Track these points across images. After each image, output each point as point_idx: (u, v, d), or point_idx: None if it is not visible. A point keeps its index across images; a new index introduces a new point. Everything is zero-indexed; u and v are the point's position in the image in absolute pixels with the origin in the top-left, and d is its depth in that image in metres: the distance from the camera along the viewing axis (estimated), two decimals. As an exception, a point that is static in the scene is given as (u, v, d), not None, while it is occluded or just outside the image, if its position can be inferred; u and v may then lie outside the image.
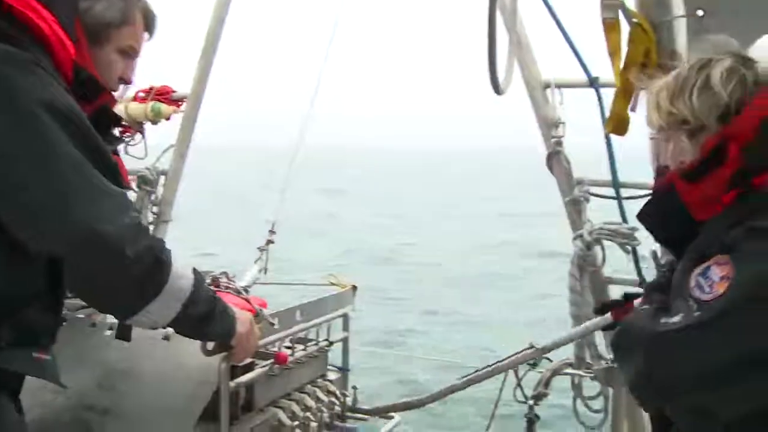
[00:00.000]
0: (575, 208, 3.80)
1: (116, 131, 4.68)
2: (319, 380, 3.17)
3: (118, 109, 4.69)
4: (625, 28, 2.80)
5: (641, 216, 2.11)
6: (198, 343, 2.39)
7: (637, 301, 2.31)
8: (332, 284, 3.53)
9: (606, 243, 3.71)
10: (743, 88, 1.85)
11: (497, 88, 2.88)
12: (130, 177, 4.72)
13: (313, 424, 2.92)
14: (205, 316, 2.15)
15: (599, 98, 3.55)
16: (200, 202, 28.41)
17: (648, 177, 2.30)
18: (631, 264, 3.69)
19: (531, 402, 3.74)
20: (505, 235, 30.06)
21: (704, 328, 1.69)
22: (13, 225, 1.88)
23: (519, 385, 3.69)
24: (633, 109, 2.83)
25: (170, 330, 2.29)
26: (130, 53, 2.30)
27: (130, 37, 2.28)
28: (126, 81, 2.37)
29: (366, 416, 3.35)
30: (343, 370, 3.35)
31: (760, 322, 1.65)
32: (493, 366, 3.43)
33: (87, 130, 1.95)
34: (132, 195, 4.75)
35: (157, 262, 1.98)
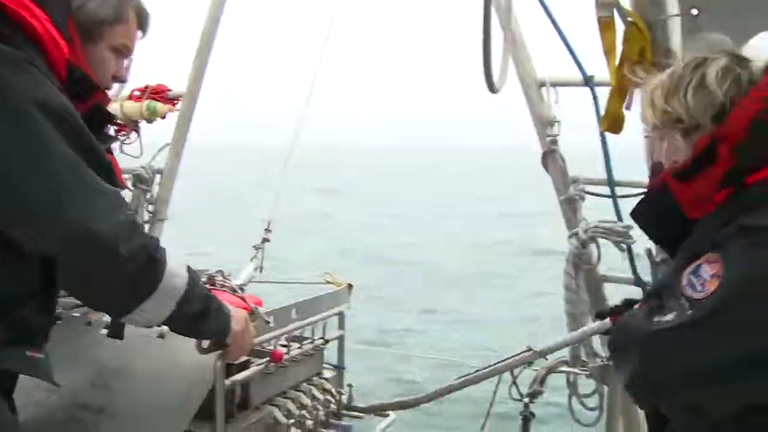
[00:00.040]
0: (570, 206, 3.80)
1: (112, 131, 4.72)
2: (315, 378, 3.17)
3: (114, 107, 4.73)
4: (620, 27, 2.81)
5: (635, 215, 2.11)
6: (193, 341, 2.39)
7: (635, 307, 2.31)
8: (328, 282, 3.52)
9: (601, 241, 3.72)
10: (738, 88, 1.85)
11: (492, 87, 2.88)
12: (125, 176, 4.72)
13: (309, 422, 2.92)
14: (200, 314, 2.16)
15: (594, 97, 3.55)
16: (196, 201, 28.35)
17: (643, 175, 2.31)
18: (626, 262, 3.70)
19: (526, 400, 3.74)
20: (500, 234, 30.08)
21: (696, 327, 1.69)
22: (7, 224, 1.88)
23: (514, 383, 3.69)
24: (628, 108, 2.84)
25: (165, 328, 2.28)
26: (123, 51, 2.30)
27: (123, 35, 2.27)
28: (120, 79, 2.37)
29: (361, 414, 3.35)
30: (339, 368, 3.36)
31: (752, 320, 1.65)
32: (490, 368, 3.44)
33: (80, 129, 1.95)
34: (127, 194, 4.75)
35: (152, 260, 1.98)
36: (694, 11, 2.77)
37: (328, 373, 3.27)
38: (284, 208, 4.90)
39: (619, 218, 3.63)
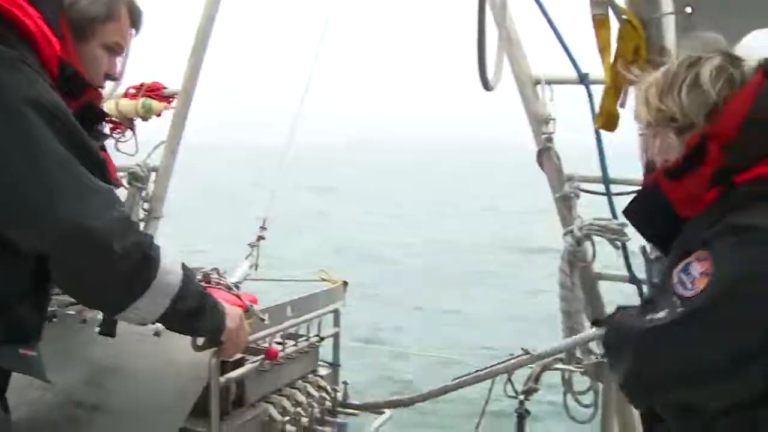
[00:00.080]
0: (565, 204, 3.81)
1: (107, 128, 4.72)
2: (310, 376, 3.17)
3: (109, 105, 4.73)
4: (614, 25, 2.82)
5: (628, 213, 2.13)
6: (188, 339, 2.39)
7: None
8: (323, 280, 3.52)
9: (596, 239, 3.72)
10: (731, 87, 1.86)
11: (486, 85, 2.88)
12: (120, 173, 4.72)
13: (304, 420, 2.92)
14: (194, 311, 2.16)
15: (589, 94, 3.56)
16: (191, 199, 28.32)
17: (638, 173, 2.31)
18: (621, 259, 3.71)
19: (521, 397, 3.74)
20: (495, 232, 30.06)
21: (686, 324, 1.71)
22: (1, 223, 1.88)
23: (509, 380, 3.70)
24: (622, 105, 2.85)
25: (160, 326, 2.28)
26: (115, 49, 2.29)
27: (116, 32, 2.27)
28: (112, 77, 2.36)
29: (357, 411, 3.35)
30: (334, 365, 3.36)
31: (741, 317, 1.66)
32: (486, 370, 3.45)
33: (73, 127, 1.95)
34: (123, 192, 4.75)
35: (145, 257, 1.98)
36: (688, 9, 2.79)
37: (323, 371, 3.26)
38: (279, 206, 4.90)
39: (614, 216, 3.64)
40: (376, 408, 3.49)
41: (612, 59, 2.78)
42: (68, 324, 2.93)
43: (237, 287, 2.93)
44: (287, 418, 2.84)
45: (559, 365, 3.78)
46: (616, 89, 2.81)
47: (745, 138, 1.78)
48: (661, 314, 1.76)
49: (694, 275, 1.72)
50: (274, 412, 2.82)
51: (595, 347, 3.80)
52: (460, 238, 28.69)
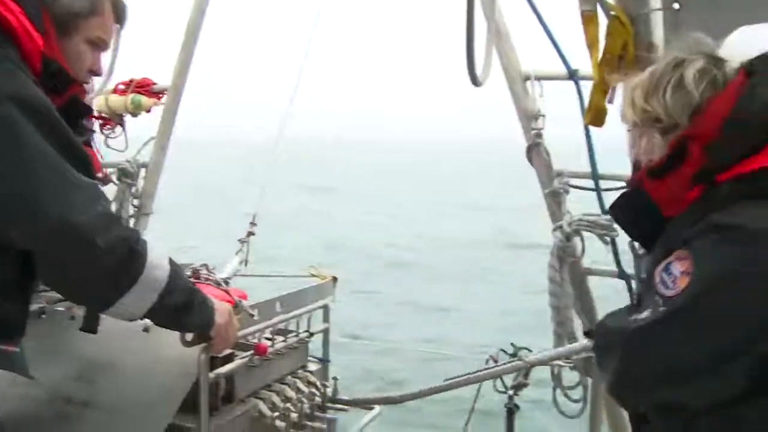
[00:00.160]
0: (555, 199, 3.82)
1: (96, 125, 4.71)
2: (300, 371, 3.17)
3: (98, 101, 4.72)
4: (603, 21, 2.83)
5: (614, 213, 2.14)
6: (177, 334, 2.39)
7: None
8: (313, 276, 3.53)
9: (585, 234, 3.74)
10: (714, 88, 1.88)
11: (475, 80, 2.88)
12: (110, 170, 4.72)
13: (294, 415, 2.92)
14: (182, 306, 2.16)
15: (578, 90, 3.57)
16: (181, 195, 28.27)
17: (627, 169, 2.33)
18: (610, 255, 3.72)
19: (511, 392, 3.76)
20: (487, 228, 30.07)
21: (668, 324, 1.72)
22: None
23: (499, 376, 3.71)
24: (611, 101, 2.86)
25: (149, 322, 2.29)
26: (99, 45, 2.27)
27: (99, 27, 2.24)
28: (96, 73, 2.35)
29: (346, 407, 3.35)
30: (324, 361, 3.36)
31: (721, 316, 1.67)
32: (477, 373, 3.46)
33: (56, 122, 1.94)
34: (112, 188, 4.74)
35: (131, 252, 1.98)
36: (676, 5, 2.79)
37: (313, 366, 3.27)
38: (270, 203, 4.91)
39: (603, 211, 3.66)
40: (365, 404, 3.50)
41: (600, 55, 2.79)
42: (57, 320, 2.93)
43: (226, 283, 2.93)
44: (277, 413, 2.85)
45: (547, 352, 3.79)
46: (604, 85, 2.82)
47: (726, 138, 1.80)
48: (645, 314, 1.77)
49: (675, 274, 1.73)
50: (263, 408, 2.82)
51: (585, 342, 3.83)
52: (450, 234, 28.69)
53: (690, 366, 1.71)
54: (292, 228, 27.12)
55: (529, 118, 3.81)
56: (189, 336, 2.41)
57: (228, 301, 2.54)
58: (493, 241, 27.33)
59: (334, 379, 3.38)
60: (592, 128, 3.34)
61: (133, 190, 4.84)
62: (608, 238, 3.63)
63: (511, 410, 3.84)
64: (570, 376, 3.85)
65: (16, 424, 2.48)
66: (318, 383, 3.18)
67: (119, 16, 2.33)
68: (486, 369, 3.48)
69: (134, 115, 4.79)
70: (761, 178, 1.75)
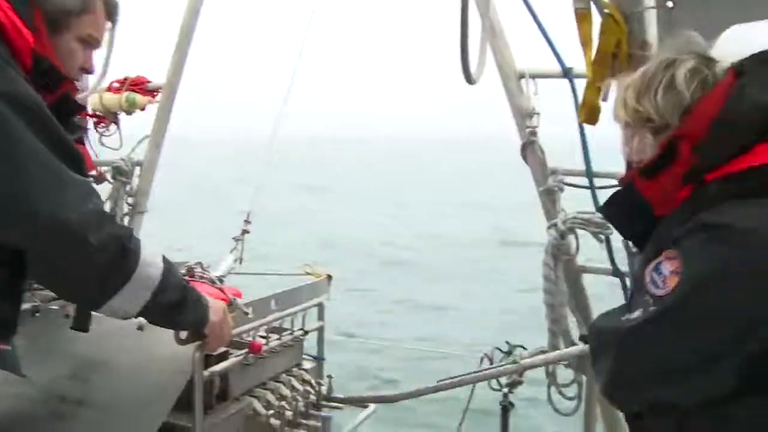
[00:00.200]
0: (549, 197, 3.82)
1: (91, 122, 4.70)
2: (294, 369, 3.17)
3: (93, 99, 4.71)
4: (597, 19, 2.83)
5: (606, 212, 2.15)
6: (171, 332, 2.39)
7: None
8: (307, 274, 3.53)
9: (580, 232, 3.74)
10: (704, 89, 1.89)
11: (469, 78, 2.88)
12: (104, 168, 4.71)
13: (288, 413, 2.92)
14: (176, 304, 2.15)
15: (573, 88, 3.57)
16: (176, 193, 28.22)
17: (621, 167, 2.33)
18: (605, 253, 3.73)
19: (505, 390, 3.76)
20: (482, 226, 30.07)
21: (658, 324, 1.72)
22: None
23: (493, 377, 3.71)
24: (604, 99, 2.86)
25: (143, 320, 2.29)
26: (91, 42, 2.26)
27: (91, 25, 2.23)
28: (87, 70, 2.34)
29: (341, 405, 3.35)
30: (319, 359, 3.36)
31: (711, 315, 1.67)
32: (473, 374, 3.47)
33: (47, 119, 1.93)
34: (107, 186, 4.74)
35: (124, 250, 1.98)
36: (670, 3, 2.80)
37: (307, 364, 3.27)
38: (264, 201, 4.90)
39: (598, 209, 3.65)
40: (360, 402, 3.50)
41: (594, 53, 2.79)
42: (51, 319, 2.93)
43: (221, 281, 2.93)
44: (271, 411, 2.85)
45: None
46: (597, 83, 2.82)
47: (714, 138, 1.80)
48: (636, 314, 1.78)
49: (665, 274, 1.74)
50: (258, 406, 2.82)
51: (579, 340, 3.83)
52: (445, 232, 28.70)
53: (680, 365, 1.72)
54: (287, 225, 27.11)
55: (524, 116, 3.81)
56: (183, 334, 2.40)
57: (222, 299, 2.54)
58: (488, 239, 27.35)
59: (329, 377, 3.38)
60: (586, 126, 3.34)
61: (128, 188, 4.83)
62: (602, 236, 3.63)
63: (506, 408, 3.85)
64: (565, 374, 3.86)
65: (10, 422, 2.48)
66: (313, 381, 3.19)
67: (111, 14, 2.32)
68: (480, 371, 3.49)
69: (129, 113, 4.79)
70: (749, 178, 1.75)
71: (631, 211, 1.99)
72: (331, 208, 35.27)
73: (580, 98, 3.11)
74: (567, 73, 3.60)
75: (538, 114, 3.82)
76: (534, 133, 3.81)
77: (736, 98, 1.81)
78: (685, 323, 1.69)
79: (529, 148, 3.82)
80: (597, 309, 3.86)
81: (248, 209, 4.57)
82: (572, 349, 3.55)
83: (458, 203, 37.22)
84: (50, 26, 2.14)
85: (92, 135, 4.79)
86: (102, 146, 4.81)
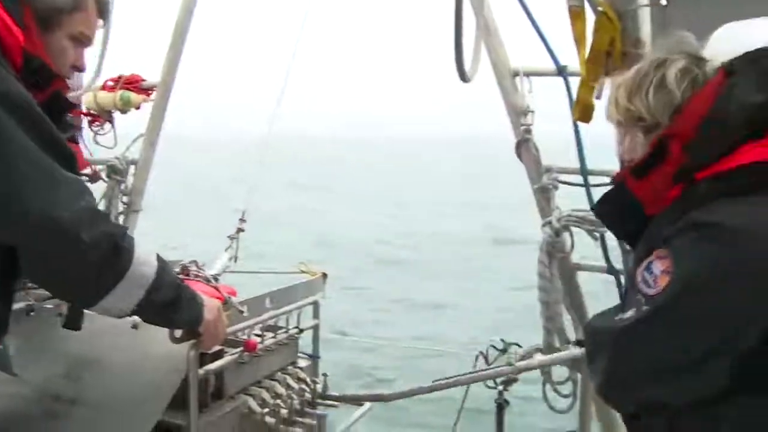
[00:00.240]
0: (544, 195, 3.84)
1: (85, 121, 4.70)
2: (290, 367, 3.16)
3: (87, 98, 4.70)
4: (590, 17, 2.83)
5: (599, 213, 2.16)
6: (166, 331, 2.39)
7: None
8: (302, 272, 3.53)
9: (574, 229, 3.75)
10: (694, 88, 1.89)
11: (463, 76, 2.89)
12: (99, 167, 4.71)
13: (283, 411, 2.92)
14: (170, 302, 2.15)
15: (567, 86, 3.57)
16: (171, 192, 28.18)
17: (615, 164, 2.34)
18: (599, 250, 3.73)
19: (500, 387, 3.77)
20: (478, 224, 30.06)
21: (650, 323, 1.73)
22: None
23: (487, 379, 3.72)
24: (598, 97, 2.87)
25: (138, 319, 2.28)
26: (82, 40, 2.25)
27: (82, 23, 2.22)
28: (79, 68, 2.33)
29: (336, 403, 3.35)
30: (314, 357, 3.36)
31: (702, 315, 1.67)
32: (468, 375, 3.48)
33: (38, 117, 1.93)
34: (102, 185, 4.73)
35: (116, 248, 1.97)
36: (663, 1, 2.80)
37: (302, 363, 3.27)
38: (259, 200, 4.91)
39: (592, 207, 3.66)
40: (355, 400, 3.50)
41: (588, 51, 2.80)
42: (45, 318, 2.92)
43: (216, 279, 2.93)
44: (266, 409, 2.84)
45: (539, 356, 3.81)
46: (591, 81, 2.83)
47: (704, 137, 1.81)
48: (629, 313, 1.78)
49: (656, 273, 1.74)
50: (253, 404, 2.82)
51: (574, 338, 3.84)
52: (441, 230, 28.69)
53: (671, 365, 1.72)
54: (283, 225, 27.11)
55: (518, 114, 3.82)
56: (178, 332, 2.40)
57: (217, 298, 2.53)
58: (483, 238, 27.37)
59: (324, 375, 3.37)
60: (580, 124, 3.35)
61: (123, 187, 4.83)
62: (597, 234, 3.65)
63: (501, 405, 3.86)
64: (560, 372, 3.87)
65: (4, 422, 2.48)
66: (308, 379, 3.18)
67: (102, 11, 2.31)
68: (475, 372, 3.50)
69: (123, 111, 4.78)
70: (739, 176, 1.76)
71: (622, 210, 2.00)
72: (328, 208, 35.23)
73: (575, 96, 3.12)
74: (561, 71, 3.61)
75: (532, 112, 3.84)
76: (528, 131, 3.82)
77: (726, 97, 1.81)
78: (676, 323, 1.69)
79: (524, 146, 3.84)
80: (592, 306, 3.87)
81: (243, 208, 4.57)
82: (567, 353, 3.56)
83: (456, 203, 37.21)
84: (41, 24, 2.13)
85: (87, 134, 4.78)
86: (97, 145, 4.81)
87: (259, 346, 2.88)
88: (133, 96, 4.75)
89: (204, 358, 2.60)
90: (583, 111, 2.95)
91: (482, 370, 3.50)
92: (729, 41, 2.01)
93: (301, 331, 3.22)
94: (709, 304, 1.67)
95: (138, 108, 4.80)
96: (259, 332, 2.98)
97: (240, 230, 4.43)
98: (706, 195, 1.77)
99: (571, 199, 3.79)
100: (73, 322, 2.35)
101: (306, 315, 3.28)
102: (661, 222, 1.85)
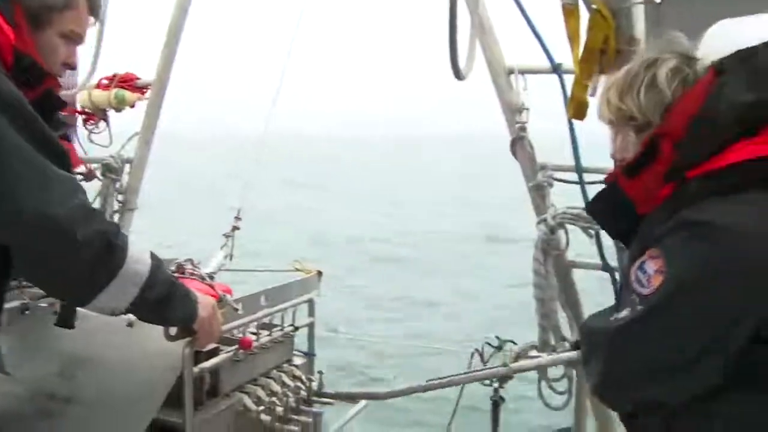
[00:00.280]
0: (539, 193, 3.84)
1: (80, 120, 4.69)
2: (285, 365, 3.16)
3: (82, 96, 4.70)
4: (585, 14, 2.83)
5: (592, 212, 2.16)
6: (161, 329, 2.39)
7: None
8: (297, 270, 3.53)
9: (569, 227, 3.76)
10: (685, 87, 1.90)
11: (458, 73, 2.89)
12: (94, 165, 4.70)
13: (279, 409, 2.92)
14: (164, 299, 2.14)
15: (562, 84, 3.57)
16: (166, 191, 28.16)
17: (610, 162, 2.35)
18: (594, 247, 3.74)
19: (496, 385, 3.77)
20: (473, 222, 30.10)
21: (644, 323, 1.73)
22: None
23: (482, 379, 3.72)
24: (592, 94, 2.87)
25: (133, 317, 2.28)
26: (73, 38, 2.25)
27: (73, 21, 2.22)
28: (71, 66, 2.32)
29: (332, 401, 3.35)
30: (309, 355, 3.36)
31: (695, 314, 1.68)
32: (464, 375, 3.48)
33: (30, 116, 1.92)
34: (96, 183, 4.73)
35: (110, 246, 1.97)
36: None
37: (298, 360, 3.27)
38: (255, 199, 4.91)
39: (587, 204, 3.67)
40: (351, 398, 3.50)
41: (582, 48, 2.80)
42: (40, 316, 2.92)
43: (211, 278, 2.93)
44: (262, 407, 2.85)
45: (534, 353, 3.81)
46: (585, 78, 2.83)
47: (694, 136, 1.82)
48: (624, 313, 1.79)
49: (649, 273, 1.74)
50: (248, 402, 2.82)
51: (569, 335, 3.85)
52: (437, 228, 28.73)
53: (666, 365, 1.73)
54: (279, 223, 27.11)
55: (513, 111, 3.82)
56: (173, 330, 2.40)
57: (212, 296, 2.53)
58: (478, 235, 27.39)
59: (320, 372, 3.38)
60: (575, 122, 3.35)
61: (118, 185, 4.83)
62: (592, 231, 3.65)
63: (497, 403, 3.85)
64: (555, 369, 3.87)
65: (-1, 420, 2.48)
66: (303, 377, 3.18)
67: (93, 9, 2.30)
68: (471, 372, 3.50)
69: (118, 110, 4.78)
70: (729, 175, 1.76)
71: (615, 209, 2.01)
72: (323, 206, 35.23)
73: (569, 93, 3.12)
74: (556, 69, 3.61)
75: (527, 109, 3.84)
76: (523, 129, 3.83)
77: (716, 96, 1.82)
78: (671, 322, 1.70)
79: (519, 143, 3.84)
80: (587, 303, 3.88)
81: (239, 206, 4.57)
82: (563, 355, 3.57)
83: (451, 201, 37.25)
84: (32, 22, 2.12)
85: (82, 132, 4.78)
86: (91, 143, 4.80)
87: (255, 343, 2.88)
88: (128, 94, 4.75)
89: (199, 356, 2.60)
90: (577, 108, 2.95)
91: (477, 370, 3.50)
92: (722, 39, 2.03)
93: (297, 328, 3.22)
94: (701, 303, 1.68)
95: (133, 106, 4.79)
96: (255, 330, 2.98)
97: (235, 228, 4.43)
98: (697, 194, 1.77)
99: (567, 197, 3.80)
100: (65, 320, 2.35)
101: (301, 313, 3.29)
102: (653, 221, 1.85)
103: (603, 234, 3.62)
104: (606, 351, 1.84)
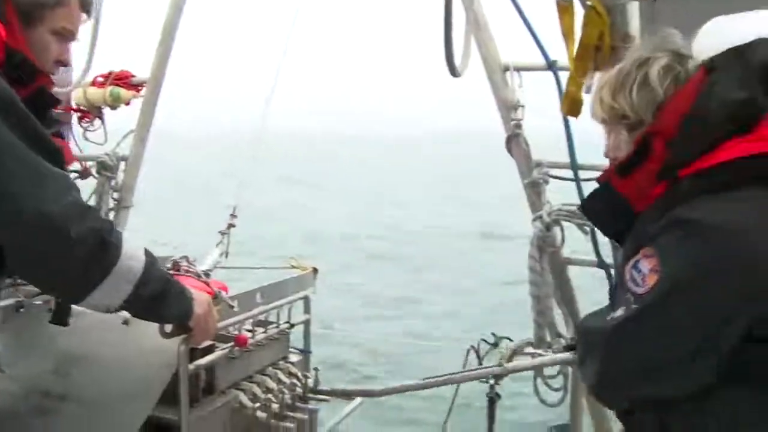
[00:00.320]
0: (534, 190, 3.85)
1: (75, 117, 4.68)
2: (281, 362, 3.16)
3: (77, 94, 4.69)
4: (579, 11, 2.83)
5: (587, 212, 2.16)
6: (157, 326, 2.39)
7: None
8: (293, 267, 3.53)
9: (565, 224, 3.76)
10: (677, 85, 1.90)
11: (453, 71, 2.89)
12: (89, 163, 4.70)
13: (275, 406, 2.92)
14: (158, 296, 2.14)
15: (557, 81, 3.58)
16: (161, 189, 28.11)
17: (605, 159, 2.35)
18: (590, 244, 3.74)
19: (492, 381, 3.78)
20: (469, 220, 30.08)
21: (639, 322, 1.74)
22: None
23: (480, 364, 3.73)
24: (587, 91, 2.87)
25: (128, 314, 2.28)
26: (65, 35, 2.24)
27: (65, 18, 2.21)
28: (63, 63, 2.31)
29: (328, 398, 3.35)
30: (305, 352, 3.36)
31: (689, 312, 1.68)
32: (460, 374, 3.49)
33: (22, 113, 1.92)
34: (92, 181, 4.72)
35: (103, 243, 1.96)
36: (652, -4, 2.81)
37: (294, 357, 3.27)
38: (252, 196, 4.91)
39: (581, 203, 3.67)
40: (346, 395, 3.50)
41: (577, 45, 2.80)
42: (35, 314, 2.91)
43: (207, 275, 2.92)
44: (258, 404, 2.84)
45: (530, 349, 3.82)
46: (579, 75, 2.83)
47: (686, 134, 1.82)
48: (619, 312, 1.79)
49: (644, 272, 1.75)
50: (244, 399, 2.82)
51: (565, 331, 3.86)
52: (434, 226, 28.72)
53: (660, 363, 1.73)
54: (274, 220, 27.08)
55: (509, 108, 3.83)
56: (168, 327, 2.40)
57: (207, 293, 2.53)
58: (474, 233, 27.39)
59: (315, 369, 3.38)
60: (571, 119, 3.35)
61: (113, 183, 4.81)
62: (587, 228, 3.66)
63: (493, 399, 3.86)
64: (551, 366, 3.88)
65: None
66: (299, 374, 3.18)
67: (85, 6, 2.29)
68: (466, 371, 3.51)
69: (113, 107, 4.77)
70: (720, 173, 1.76)
71: (609, 208, 2.01)
72: (319, 204, 35.19)
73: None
74: (551, 66, 3.62)
75: (522, 107, 3.84)
76: (519, 126, 3.83)
77: (707, 94, 1.82)
78: (665, 321, 1.70)
79: (514, 140, 3.84)
80: (582, 300, 3.89)
81: (234, 203, 4.56)
82: (557, 357, 3.57)
83: (447, 198, 37.23)
84: (23, 19, 2.11)
85: (76, 130, 4.77)
86: (87, 141, 4.79)
87: (250, 341, 2.88)
88: (123, 92, 4.74)
89: (195, 353, 2.60)
90: (571, 105, 2.95)
91: (473, 369, 3.51)
92: (716, 36, 2.02)
93: (292, 326, 3.22)
94: (695, 302, 1.68)
95: (128, 104, 4.78)
96: (250, 327, 2.98)
97: (231, 226, 4.43)
98: (689, 192, 1.77)
99: (562, 194, 3.80)
100: (59, 317, 2.35)
101: (297, 310, 3.29)
102: (646, 220, 1.85)
103: (598, 231, 3.63)
104: (602, 351, 1.84)
